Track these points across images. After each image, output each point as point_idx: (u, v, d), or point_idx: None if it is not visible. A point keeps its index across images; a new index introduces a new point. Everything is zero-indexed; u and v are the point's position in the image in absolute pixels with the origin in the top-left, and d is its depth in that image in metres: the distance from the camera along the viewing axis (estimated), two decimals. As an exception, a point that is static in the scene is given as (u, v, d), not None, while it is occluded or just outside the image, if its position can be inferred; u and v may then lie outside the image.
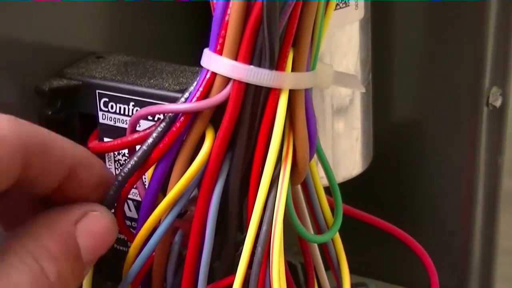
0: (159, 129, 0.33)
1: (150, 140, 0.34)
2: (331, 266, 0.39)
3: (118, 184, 0.34)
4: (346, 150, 0.47)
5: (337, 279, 0.39)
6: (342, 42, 0.45)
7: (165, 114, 0.34)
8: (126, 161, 0.34)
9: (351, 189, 0.43)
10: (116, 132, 0.37)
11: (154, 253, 0.36)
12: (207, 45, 0.33)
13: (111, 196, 0.34)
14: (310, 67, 0.34)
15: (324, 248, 0.39)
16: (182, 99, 0.34)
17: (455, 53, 0.51)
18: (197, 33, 0.46)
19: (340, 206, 0.38)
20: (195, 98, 0.33)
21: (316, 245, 0.39)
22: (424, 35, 0.52)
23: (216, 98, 0.33)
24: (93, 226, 0.32)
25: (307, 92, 0.34)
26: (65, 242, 0.31)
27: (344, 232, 0.39)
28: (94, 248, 0.32)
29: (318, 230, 0.38)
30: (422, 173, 0.54)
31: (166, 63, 0.39)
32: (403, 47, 0.53)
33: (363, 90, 0.38)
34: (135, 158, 0.34)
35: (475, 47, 0.50)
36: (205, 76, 0.33)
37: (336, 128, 0.46)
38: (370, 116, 0.48)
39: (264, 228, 0.34)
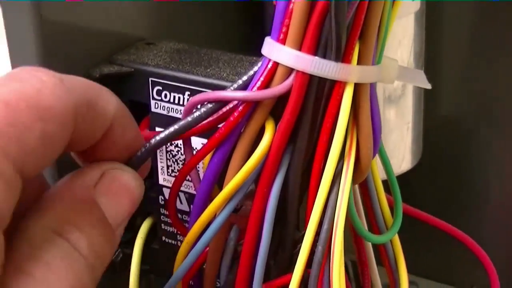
0: (209, 105, 0.32)
1: (196, 114, 0.32)
2: (388, 267, 0.38)
3: (149, 147, 0.32)
4: (396, 144, 0.45)
5: (393, 278, 0.38)
6: (397, 34, 0.43)
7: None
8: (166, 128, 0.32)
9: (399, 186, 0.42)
10: (169, 121, 0.35)
11: (207, 249, 0.35)
12: (258, 33, 0.32)
13: (138, 158, 0.32)
14: (376, 60, 0.32)
15: (380, 249, 0.38)
16: (235, 85, 0.32)
17: (505, 50, 0.50)
18: (248, 20, 0.45)
19: (400, 205, 0.37)
20: (255, 87, 0.32)
21: (370, 244, 0.38)
22: (474, 30, 0.50)
23: (278, 88, 0.31)
24: (113, 185, 0.30)
25: (372, 86, 0.33)
26: (88, 210, 0.29)
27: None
28: (119, 208, 0.30)
29: (376, 229, 0.37)
30: (470, 169, 0.53)
31: (221, 51, 0.37)
32: (452, 42, 0.51)
33: (429, 87, 0.36)
34: (175, 126, 0.32)
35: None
36: (267, 66, 0.31)
37: (387, 121, 0.44)
38: (421, 110, 0.47)
39: (325, 226, 0.32)
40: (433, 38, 0.50)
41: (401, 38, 0.43)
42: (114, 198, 0.30)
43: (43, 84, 0.27)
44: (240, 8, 0.46)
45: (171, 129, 0.32)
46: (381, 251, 0.38)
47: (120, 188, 0.30)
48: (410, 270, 0.50)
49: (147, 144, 0.32)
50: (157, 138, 0.32)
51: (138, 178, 0.31)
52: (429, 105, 0.49)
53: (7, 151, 0.25)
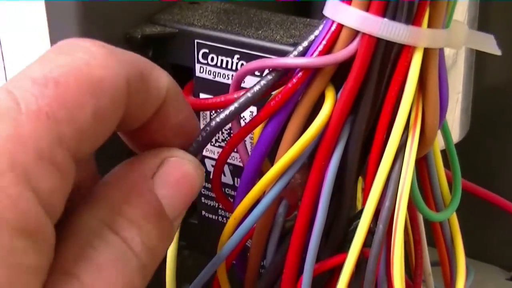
0: (269, 76, 0.29)
1: (256, 88, 0.29)
2: (443, 247, 0.35)
3: (210, 131, 0.29)
4: (447, 116, 0.42)
5: (447, 260, 0.36)
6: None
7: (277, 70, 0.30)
8: (225, 108, 0.30)
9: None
10: (215, 87, 0.33)
11: (254, 226, 0.32)
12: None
13: (199, 143, 0.29)
14: (445, 24, 0.30)
15: (434, 227, 0.35)
16: (295, 52, 0.29)
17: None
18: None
19: (459, 182, 0.34)
20: (317, 52, 0.29)
21: (422, 222, 0.36)
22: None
23: (342, 53, 0.29)
24: (173, 175, 0.27)
25: (441, 52, 0.30)
26: (145, 203, 0.26)
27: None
28: (178, 200, 0.27)
29: (431, 206, 0.34)
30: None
31: (271, 12, 0.35)
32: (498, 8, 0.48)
33: (499, 53, 0.34)
34: (235, 105, 0.29)
35: None
36: (330, 28, 0.29)
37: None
38: (472, 80, 0.44)
39: (387, 203, 0.30)
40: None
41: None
42: (174, 189, 0.27)
43: (91, 55, 0.24)
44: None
45: (231, 108, 0.29)
46: (436, 230, 0.35)
47: (180, 178, 0.27)
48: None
49: (207, 128, 0.29)
50: (217, 120, 0.29)
51: (199, 167, 0.28)
52: (477, 75, 0.46)
53: (60, 136, 0.23)
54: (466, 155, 0.49)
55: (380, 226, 0.30)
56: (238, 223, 0.31)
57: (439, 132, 0.33)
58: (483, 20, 0.48)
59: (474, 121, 0.46)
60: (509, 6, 0.49)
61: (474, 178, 0.40)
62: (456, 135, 0.44)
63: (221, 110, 0.30)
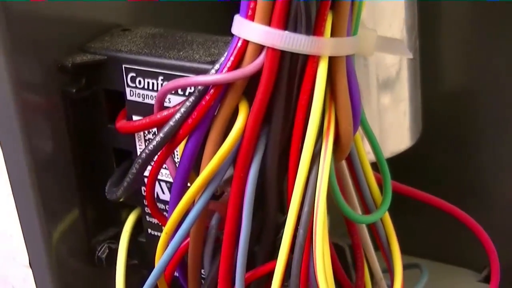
0: (187, 103, 0.31)
1: (177, 116, 0.31)
2: (381, 247, 0.36)
3: (142, 162, 0.32)
4: (393, 123, 0.43)
5: (387, 260, 0.37)
6: (386, 7, 0.41)
7: (195, 88, 0.31)
8: (152, 138, 0.32)
9: (400, 165, 0.40)
10: (146, 109, 0.35)
11: (189, 239, 0.33)
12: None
13: (133, 174, 0.32)
14: (351, 32, 0.31)
15: (372, 228, 0.36)
16: (213, 71, 0.31)
17: (506, 18, 0.48)
18: (229, 2, 0.44)
19: (389, 183, 0.35)
20: (226, 69, 0.30)
21: (365, 228, 0.37)
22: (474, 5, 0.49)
23: (249, 68, 0.30)
24: None
25: (349, 59, 0.31)
26: None
27: (392, 211, 0.37)
28: None
29: (366, 209, 0.35)
30: (474, 145, 0.51)
31: (196, 33, 0.36)
32: (452, 12, 0.49)
33: (410, 56, 0.35)
34: (160, 135, 0.31)
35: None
36: (236, 45, 0.30)
37: (382, 100, 0.43)
38: (418, 86, 0.45)
39: (305, 208, 0.31)
40: (433, 12, 0.49)
41: (391, 11, 0.42)
42: None
43: None
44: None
45: (158, 138, 0.31)
46: (373, 231, 0.36)
47: None
48: (418, 253, 0.49)
49: (139, 161, 0.32)
50: (146, 151, 0.32)
51: None
52: (430, 78, 0.47)
53: None
54: (421, 159, 0.50)
55: (301, 231, 0.31)
56: (170, 237, 0.33)
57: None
58: (432, 25, 0.49)
59: (429, 125, 0.47)
60: (459, 10, 0.49)
61: (427, 182, 0.41)
62: (407, 140, 0.45)
63: (149, 143, 0.31)
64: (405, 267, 0.38)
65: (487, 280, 0.52)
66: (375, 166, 0.36)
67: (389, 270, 0.37)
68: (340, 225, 0.37)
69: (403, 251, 0.37)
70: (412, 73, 0.44)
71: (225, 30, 0.33)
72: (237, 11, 0.31)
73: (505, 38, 0.48)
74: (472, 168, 0.52)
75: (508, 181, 0.51)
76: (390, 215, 0.36)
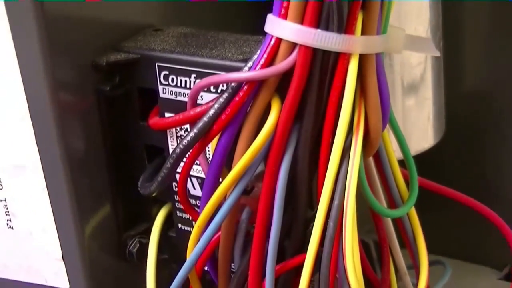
0: (221, 99, 0.32)
1: (211, 112, 0.32)
2: (407, 243, 0.37)
3: (176, 157, 0.32)
4: (417, 122, 0.44)
5: (413, 256, 0.37)
6: (412, 7, 0.42)
7: (228, 84, 0.32)
8: (186, 134, 0.32)
9: (424, 163, 0.41)
10: (178, 106, 0.35)
11: (220, 232, 0.34)
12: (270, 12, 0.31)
13: (168, 169, 0.32)
14: (381, 30, 0.32)
15: (399, 224, 0.37)
16: (246, 68, 0.32)
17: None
18: (259, 2, 0.45)
19: (416, 179, 0.36)
20: (259, 66, 0.31)
21: (390, 222, 0.37)
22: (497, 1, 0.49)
23: (281, 65, 0.31)
24: None
25: (379, 57, 0.32)
26: None
27: (418, 209, 0.37)
28: None
29: (392, 204, 0.36)
30: (496, 144, 0.52)
31: (228, 33, 0.37)
32: (474, 13, 0.50)
33: (438, 54, 0.36)
34: (195, 130, 0.32)
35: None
36: (269, 42, 0.31)
37: (407, 99, 0.44)
38: (442, 86, 0.46)
39: (336, 202, 0.32)
40: (455, 11, 0.50)
41: (416, 11, 0.42)
42: None
43: None
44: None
45: (192, 134, 0.32)
46: (399, 227, 0.37)
47: None
48: (439, 251, 0.49)
49: (173, 155, 0.33)
50: (181, 146, 0.33)
51: None
52: (453, 80, 0.48)
53: None
54: (444, 158, 0.51)
55: (331, 224, 0.32)
56: (202, 230, 0.33)
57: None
58: (455, 25, 0.50)
59: (452, 125, 0.48)
60: (481, 11, 0.50)
61: (449, 180, 0.42)
62: (430, 139, 0.45)
63: (183, 138, 0.32)
64: (429, 263, 0.39)
65: (507, 278, 0.53)
66: (401, 163, 0.36)
67: (414, 266, 0.37)
68: (366, 222, 0.37)
69: (427, 249, 0.38)
70: (436, 73, 0.45)
71: (255, 30, 0.34)
72: (266, 11, 0.32)
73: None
74: (493, 167, 0.53)
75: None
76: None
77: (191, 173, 0.37)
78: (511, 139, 0.52)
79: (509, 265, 0.53)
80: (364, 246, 0.38)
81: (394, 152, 0.36)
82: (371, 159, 0.35)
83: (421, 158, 0.43)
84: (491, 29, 0.51)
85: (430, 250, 0.40)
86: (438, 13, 0.44)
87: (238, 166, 0.32)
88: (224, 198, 0.33)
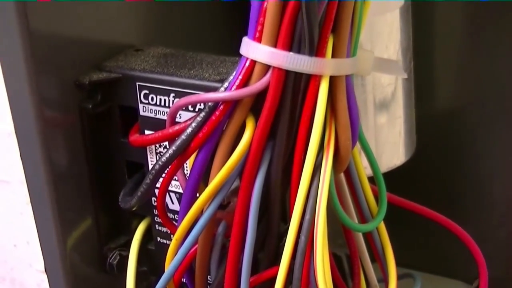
0: (198, 118, 0.33)
1: (189, 130, 0.33)
2: (376, 256, 0.39)
3: (155, 173, 0.34)
4: (388, 139, 0.46)
5: (383, 269, 0.39)
6: (383, 30, 0.44)
7: (205, 104, 0.33)
8: (164, 151, 0.34)
9: (395, 180, 0.42)
10: (157, 124, 0.37)
11: (197, 245, 0.36)
12: (246, 35, 0.33)
13: (147, 185, 0.34)
14: (351, 53, 0.33)
15: (368, 238, 0.39)
16: (222, 88, 0.33)
17: (498, 40, 0.50)
18: (235, 24, 0.46)
19: (385, 194, 0.37)
20: (234, 87, 0.33)
21: (361, 236, 0.39)
22: (466, 22, 0.51)
23: (256, 86, 0.32)
24: None
25: (348, 78, 0.33)
26: None
27: (388, 225, 0.39)
28: None
29: (362, 219, 0.38)
30: (467, 161, 0.54)
31: (205, 54, 0.39)
32: (444, 35, 0.52)
33: (405, 76, 0.37)
34: (173, 148, 0.34)
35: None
36: (244, 64, 0.33)
37: (379, 118, 0.45)
38: (412, 105, 0.47)
39: (307, 217, 0.33)
40: (426, 31, 0.51)
41: (387, 34, 0.44)
42: None
43: None
44: (229, 9, 0.47)
45: (170, 151, 0.34)
46: (369, 241, 0.38)
47: None
48: (409, 265, 0.51)
49: (153, 172, 0.34)
50: (160, 163, 0.34)
51: None
52: (423, 97, 0.49)
53: None
54: (415, 174, 0.53)
55: (302, 237, 0.33)
56: (180, 243, 0.35)
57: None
58: (426, 44, 0.51)
59: (423, 142, 0.49)
60: (454, 31, 0.52)
61: (420, 196, 0.43)
62: (402, 156, 0.47)
63: (162, 155, 0.34)
64: (399, 277, 0.41)
65: (477, 291, 0.54)
66: (371, 180, 0.38)
67: (384, 278, 0.39)
68: (338, 236, 0.39)
69: (397, 263, 0.39)
70: (407, 92, 0.46)
71: (231, 51, 0.36)
72: (242, 33, 0.33)
73: (498, 58, 0.51)
74: (463, 183, 0.54)
75: (499, 195, 0.54)
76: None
77: (169, 188, 0.38)
78: (482, 157, 0.53)
79: (478, 279, 0.54)
80: (336, 260, 0.40)
81: (365, 169, 0.37)
82: (342, 176, 0.37)
83: (392, 175, 0.45)
84: (463, 47, 0.52)
85: (400, 264, 0.42)
86: (408, 35, 0.46)
87: (215, 181, 0.33)
88: (201, 212, 0.34)
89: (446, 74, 0.53)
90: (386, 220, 0.39)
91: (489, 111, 0.52)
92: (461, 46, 0.52)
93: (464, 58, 0.52)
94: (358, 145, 0.36)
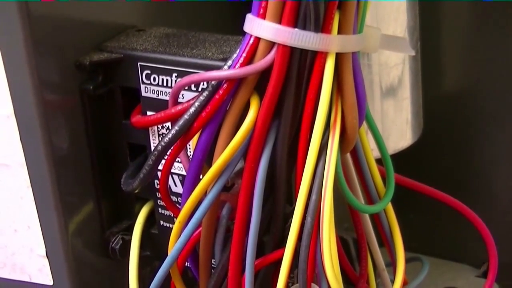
0: (201, 97, 0.32)
1: (192, 110, 0.33)
2: (384, 238, 0.38)
3: (158, 154, 0.33)
4: (395, 121, 0.45)
5: (390, 253, 0.38)
6: (390, 9, 0.43)
7: (208, 83, 0.33)
8: (167, 132, 0.33)
9: (401, 163, 0.42)
10: (160, 105, 0.36)
11: (201, 228, 0.35)
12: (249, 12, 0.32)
13: (149, 166, 0.33)
14: (357, 30, 0.33)
15: (376, 221, 0.38)
16: (225, 67, 0.33)
17: (506, 20, 0.49)
18: (239, 4, 0.46)
19: (392, 175, 0.37)
20: (238, 64, 0.32)
21: (368, 219, 0.38)
22: (473, 2, 0.50)
23: (260, 63, 0.32)
24: None
25: (355, 56, 0.33)
26: None
27: (397, 207, 0.38)
28: None
29: (370, 201, 0.37)
30: (475, 143, 0.53)
31: (208, 33, 0.38)
32: (452, 14, 0.51)
33: (413, 53, 0.36)
34: (176, 128, 0.33)
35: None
36: (248, 41, 0.32)
37: (385, 99, 0.44)
38: (419, 86, 0.47)
39: (313, 197, 0.33)
40: (434, 14, 0.51)
41: (394, 13, 0.43)
42: None
43: None
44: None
45: (173, 131, 0.33)
46: (377, 223, 0.38)
47: None
48: (417, 249, 0.50)
49: (155, 153, 0.34)
50: (162, 143, 0.33)
51: None
52: (431, 80, 0.49)
53: None
54: (422, 157, 0.52)
55: (308, 219, 0.33)
56: (183, 226, 0.34)
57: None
58: (433, 27, 0.51)
59: (430, 124, 0.49)
60: (460, 12, 0.51)
61: (427, 179, 0.43)
62: (409, 138, 0.46)
63: (164, 136, 0.33)
64: (406, 260, 0.40)
65: (485, 275, 0.53)
66: (379, 162, 0.37)
67: (391, 260, 0.38)
68: (345, 220, 0.38)
69: (404, 247, 0.39)
70: (414, 73, 0.46)
71: (235, 30, 0.35)
72: (246, 12, 0.33)
73: (506, 39, 0.50)
74: (471, 166, 0.54)
75: (507, 179, 0.53)
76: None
77: (172, 170, 0.37)
78: (490, 138, 0.53)
79: (486, 262, 0.53)
80: (343, 243, 0.39)
81: (372, 151, 0.37)
82: (349, 157, 0.36)
83: (400, 157, 0.44)
84: (470, 29, 0.52)
85: (408, 248, 0.41)
86: (415, 14, 0.45)
87: (218, 162, 0.33)
88: (204, 194, 0.34)
89: (454, 55, 0.52)
90: (394, 204, 0.38)
91: (497, 92, 0.51)
92: (469, 26, 0.51)
93: (472, 39, 0.51)
94: (365, 125, 0.35)
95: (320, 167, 0.33)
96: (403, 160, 0.43)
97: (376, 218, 0.38)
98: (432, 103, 0.49)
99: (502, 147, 0.52)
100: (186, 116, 0.33)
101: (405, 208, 0.45)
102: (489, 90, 0.51)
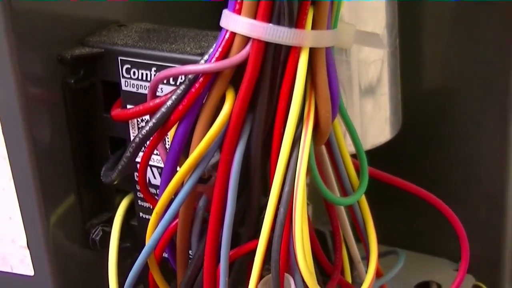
0: (178, 91, 0.33)
1: (169, 103, 0.33)
2: (358, 231, 0.39)
3: (136, 146, 0.34)
4: (374, 116, 0.46)
5: (365, 244, 0.39)
6: (368, 6, 0.44)
7: (185, 77, 0.33)
8: (145, 124, 0.34)
9: (381, 157, 0.42)
10: (139, 98, 0.37)
11: (178, 219, 0.36)
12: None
13: (127, 158, 0.34)
14: (331, 25, 0.33)
15: (351, 212, 0.39)
16: (202, 61, 0.33)
17: (486, 16, 0.50)
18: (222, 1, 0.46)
19: (366, 168, 0.37)
20: (214, 59, 0.33)
21: (344, 212, 0.39)
22: (454, 1, 0.51)
23: (235, 58, 0.32)
24: None
25: (329, 51, 0.33)
26: None
27: (372, 204, 0.39)
28: None
29: (344, 193, 0.38)
30: (453, 140, 0.54)
31: (188, 28, 0.39)
32: (432, 11, 0.52)
33: (387, 49, 0.37)
34: (153, 120, 0.34)
35: (506, 9, 0.49)
36: (224, 36, 0.33)
37: (364, 95, 0.45)
38: (398, 82, 0.47)
39: (286, 188, 0.33)
40: (413, 11, 0.51)
41: (372, 10, 0.44)
42: None
43: None
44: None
45: (150, 124, 0.34)
46: (352, 217, 0.38)
47: None
48: (395, 243, 0.51)
49: (133, 145, 0.34)
50: (140, 136, 0.34)
51: None
52: (410, 75, 0.49)
53: None
54: (401, 152, 0.53)
55: (281, 209, 0.33)
56: (160, 217, 0.35)
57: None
58: (412, 24, 0.51)
59: (408, 120, 0.49)
60: (439, 9, 0.52)
61: (404, 174, 0.43)
62: (387, 134, 0.47)
63: (141, 128, 0.34)
64: (383, 253, 0.41)
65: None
66: (354, 157, 0.38)
67: (365, 252, 0.39)
68: (323, 214, 0.39)
69: (382, 241, 0.39)
70: (393, 69, 0.46)
71: (217, 27, 0.36)
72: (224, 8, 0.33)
73: (484, 37, 0.51)
74: (450, 161, 0.54)
75: (482, 176, 0.54)
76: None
77: (151, 163, 0.38)
78: (468, 135, 0.53)
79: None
80: (320, 236, 0.40)
81: (350, 146, 0.37)
82: (324, 151, 0.37)
83: (378, 152, 0.45)
84: (449, 25, 0.52)
85: (386, 242, 0.42)
86: (394, 11, 0.46)
87: (194, 153, 0.33)
88: (181, 186, 0.34)
89: (434, 52, 0.53)
90: (370, 199, 0.39)
91: (475, 89, 0.52)
92: (448, 23, 0.52)
93: (452, 36, 0.52)
94: (340, 120, 0.36)
95: (294, 159, 0.33)
96: (381, 155, 0.44)
97: (350, 210, 0.38)
98: (411, 99, 0.50)
99: (479, 144, 0.53)
100: (163, 109, 0.34)
101: (385, 203, 0.46)
102: (467, 86, 0.52)
